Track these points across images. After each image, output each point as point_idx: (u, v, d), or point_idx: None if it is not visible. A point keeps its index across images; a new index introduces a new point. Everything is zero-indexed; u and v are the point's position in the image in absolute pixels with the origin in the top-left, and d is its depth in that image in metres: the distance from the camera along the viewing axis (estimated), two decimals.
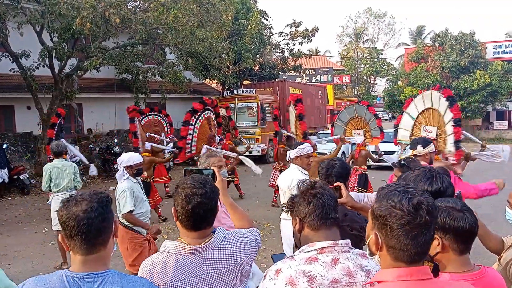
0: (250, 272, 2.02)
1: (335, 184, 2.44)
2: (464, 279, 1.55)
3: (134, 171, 4.52)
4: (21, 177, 11.86)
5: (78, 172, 6.51)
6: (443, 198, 1.80)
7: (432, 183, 2.09)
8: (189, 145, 7.42)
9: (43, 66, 11.94)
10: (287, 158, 4.67)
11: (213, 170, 2.21)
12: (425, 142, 4.25)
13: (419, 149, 4.18)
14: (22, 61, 11.92)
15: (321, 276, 1.56)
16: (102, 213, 1.51)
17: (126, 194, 4.35)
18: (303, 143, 4.50)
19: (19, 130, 13.99)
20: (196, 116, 7.18)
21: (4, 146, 12.21)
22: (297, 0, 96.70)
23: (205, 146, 6.72)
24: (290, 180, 4.13)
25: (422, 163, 3.62)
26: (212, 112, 7.49)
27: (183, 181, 1.85)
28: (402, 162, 3.27)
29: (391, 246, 1.35)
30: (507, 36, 34.95)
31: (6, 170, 11.55)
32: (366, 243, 1.47)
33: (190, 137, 7.18)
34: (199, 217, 1.78)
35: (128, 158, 4.50)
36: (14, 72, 12.20)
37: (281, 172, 7.63)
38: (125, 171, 4.47)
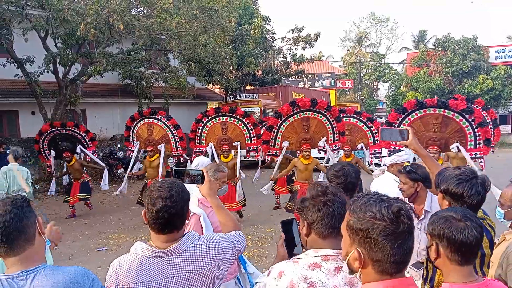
0: (223, 277, 1.99)
1: (405, 127, 2.72)
2: None
3: None
4: None
5: (30, 177, 7.02)
6: (455, 207, 1.70)
7: (459, 185, 2.07)
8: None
9: (48, 72, 12.02)
10: (382, 165, 4.44)
11: (201, 171, 2.22)
12: None
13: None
14: (26, 67, 12.02)
15: (322, 283, 1.54)
16: (18, 214, 1.54)
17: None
18: (400, 150, 4.30)
19: (23, 135, 14.06)
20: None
21: (8, 151, 12.27)
22: (300, 5, 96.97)
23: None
24: (383, 189, 3.92)
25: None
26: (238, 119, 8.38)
27: (153, 184, 1.87)
28: (408, 169, 3.13)
29: (377, 260, 1.29)
30: (509, 40, 34.89)
31: None
32: (345, 261, 1.40)
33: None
34: (164, 220, 1.79)
35: (198, 162, 4.67)
36: (18, 78, 12.32)
37: None
38: None
